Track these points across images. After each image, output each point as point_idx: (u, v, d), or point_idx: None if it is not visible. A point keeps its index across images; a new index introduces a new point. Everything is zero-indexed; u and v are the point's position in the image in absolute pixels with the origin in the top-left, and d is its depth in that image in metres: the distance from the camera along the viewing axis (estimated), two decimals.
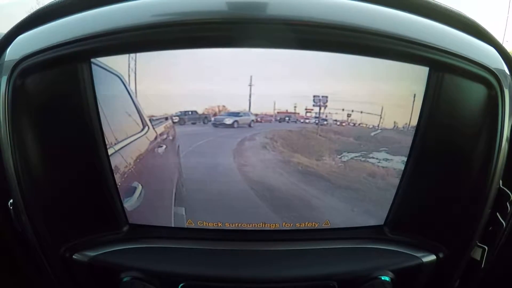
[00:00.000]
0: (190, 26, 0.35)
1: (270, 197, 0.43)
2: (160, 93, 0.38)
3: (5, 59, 0.38)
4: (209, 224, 0.45)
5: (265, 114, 0.39)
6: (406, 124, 0.40)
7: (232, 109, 0.39)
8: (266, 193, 0.43)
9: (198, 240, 0.45)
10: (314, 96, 0.38)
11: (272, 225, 0.45)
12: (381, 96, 0.39)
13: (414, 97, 0.39)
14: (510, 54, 0.42)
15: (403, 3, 0.40)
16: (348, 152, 0.41)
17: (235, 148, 0.41)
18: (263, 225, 0.45)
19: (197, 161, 0.41)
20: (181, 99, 0.38)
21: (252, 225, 0.45)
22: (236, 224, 0.44)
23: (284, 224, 0.45)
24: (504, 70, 0.39)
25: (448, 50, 0.37)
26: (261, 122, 0.39)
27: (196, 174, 0.42)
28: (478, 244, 0.46)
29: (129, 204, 0.43)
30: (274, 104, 0.38)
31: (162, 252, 0.44)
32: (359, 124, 0.39)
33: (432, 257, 0.45)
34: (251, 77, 0.37)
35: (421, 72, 0.38)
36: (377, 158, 0.41)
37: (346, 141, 0.40)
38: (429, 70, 0.38)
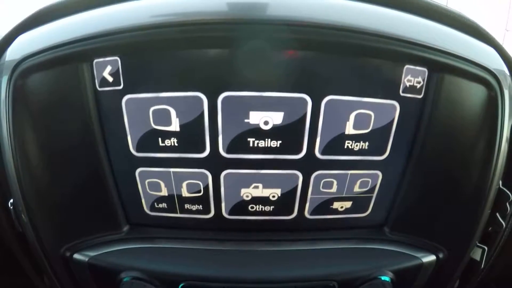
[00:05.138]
0: (192, 26, 0.35)
1: None
2: None
3: (6, 59, 0.38)
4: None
5: None
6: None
7: None
8: None
9: (198, 240, 0.45)
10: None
11: (273, 225, 0.45)
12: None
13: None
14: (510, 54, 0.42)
15: (402, 4, 0.41)
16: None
17: None
18: (264, 224, 0.45)
19: None
20: None
21: (252, 225, 0.45)
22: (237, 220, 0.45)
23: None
24: (504, 71, 0.40)
25: (448, 50, 0.37)
26: None
27: None
28: (478, 244, 0.46)
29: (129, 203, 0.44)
30: None
31: (162, 252, 0.44)
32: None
33: (432, 257, 0.45)
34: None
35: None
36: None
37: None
38: (429, 71, 0.38)
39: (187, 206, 0.43)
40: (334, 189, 0.43)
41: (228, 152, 0.40)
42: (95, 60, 0.36)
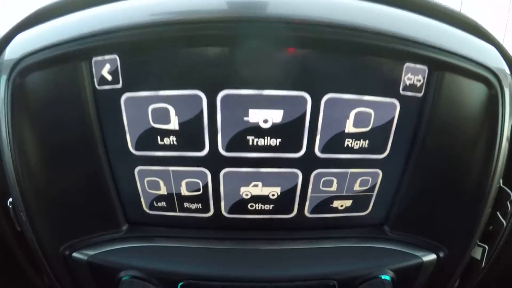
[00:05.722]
0: (191, 24, 0.35)
1: None
2: None
3: (5, 58, 0.38)
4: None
5: None
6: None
7: None
8: None
9: (197, 239, 0.45)
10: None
11: (273, 224, 0.45)
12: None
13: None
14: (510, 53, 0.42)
15: (402, 2, 0.40)
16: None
17: None
18: (264, 223, 0.45)
19: None
20: None
21: (252, 224, 0.45)
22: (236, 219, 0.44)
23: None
24: (504, 69, 0.39)
25: (448, 49, 0.37)
26: None
27: None
28: (479, 243, 0.46)
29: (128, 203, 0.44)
30: None
31: (162, 251, 0.44)
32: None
33: (433, 256, 0.45)
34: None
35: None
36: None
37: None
38: (429, 69, 0.38)
39: (186, 204, 0.43)
40: (334, 187, 0.43)
41: (227, 150, 0.40)
42: (94, 59, 0.36)
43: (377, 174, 0.42)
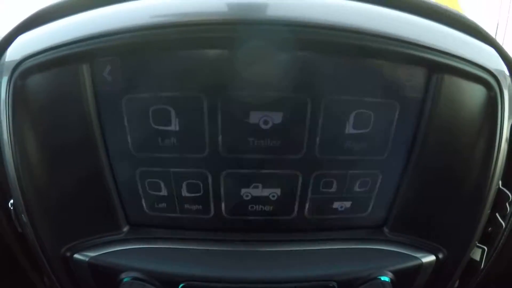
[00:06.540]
0: (192, 27, 0.35)
1: None
2: None
3: (6, 60, 0.38)
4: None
5: None
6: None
7: None
8: None
9: (198, 240, 0.45)
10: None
11: (272, 225, 0.45)
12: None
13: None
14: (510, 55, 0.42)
15: (401, 4, 0.41)
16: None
17: None
18: (264, 224, 0.45)
19: None
20: None
21: (252, 225, 0.45)
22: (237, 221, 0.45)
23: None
24: (504, 71, 0.40)
25: (448, 51, 0.37)
26: None
27: None
28: (478, 244, 0.46)
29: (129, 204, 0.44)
30: None
31: (163, 252, 0.44)
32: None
33: (432, 258, 0.45)
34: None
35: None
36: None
37: None
38: (428, 71, 0.38)
39: (187, 206, 0.43)
40: (334, 189, 0.43)
41: (228, 151, 0.40)
42: (95, 61, 0.36)
43: (377, 175, 0.43)
